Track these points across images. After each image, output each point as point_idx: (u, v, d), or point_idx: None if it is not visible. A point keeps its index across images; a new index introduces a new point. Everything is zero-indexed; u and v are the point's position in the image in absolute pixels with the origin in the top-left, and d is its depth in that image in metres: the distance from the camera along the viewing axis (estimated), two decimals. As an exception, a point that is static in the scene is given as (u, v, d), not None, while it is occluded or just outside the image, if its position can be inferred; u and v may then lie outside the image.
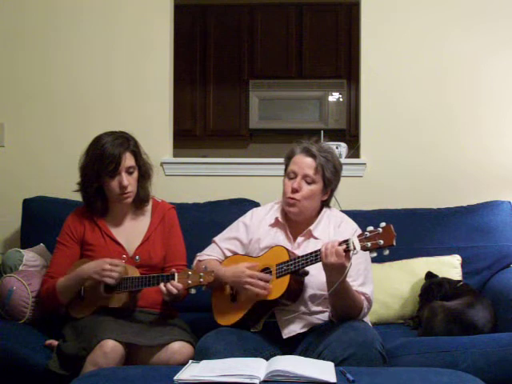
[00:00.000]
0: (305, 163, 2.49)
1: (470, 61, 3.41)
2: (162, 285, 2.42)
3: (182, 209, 2.88)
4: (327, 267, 2.25)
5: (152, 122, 3.50)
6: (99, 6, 3.51)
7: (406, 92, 3.45)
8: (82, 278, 2.51)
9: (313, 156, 2.48)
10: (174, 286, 2.40)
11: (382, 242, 2.15)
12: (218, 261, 2.60)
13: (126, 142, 2.60)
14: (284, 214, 2.59)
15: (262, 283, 2.37)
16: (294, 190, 2.47)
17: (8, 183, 3.50)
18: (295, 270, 2.34)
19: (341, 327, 2.31)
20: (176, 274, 2.41)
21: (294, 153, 2.53)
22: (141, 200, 2.69)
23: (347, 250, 2.21)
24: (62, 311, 2.62)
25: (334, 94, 5.51)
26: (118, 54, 3.52)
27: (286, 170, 2.57)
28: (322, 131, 3.53)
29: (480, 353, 2.36)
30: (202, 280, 2.36)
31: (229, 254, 2.62)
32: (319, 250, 2.27)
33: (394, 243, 2.14)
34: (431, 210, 3.22)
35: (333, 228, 2.54)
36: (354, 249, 2.20)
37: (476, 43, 3.41)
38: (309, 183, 2.48)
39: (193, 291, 2.41)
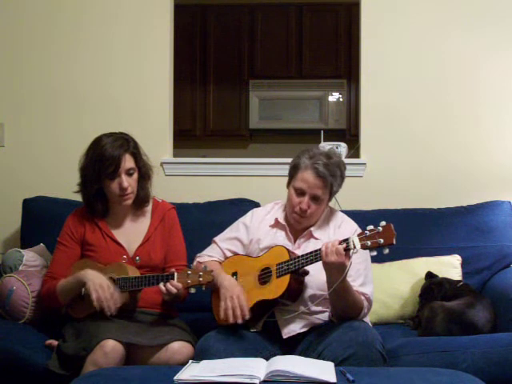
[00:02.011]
0: (314, 184, 2.44)
1: (470, 60, 3.41)
2: (161, 284, 2.42)
3: (182, 209, 2.87)
4: (327, 266, 2.26)
5: (152, 122, 3.50)
6: (99, 6, 3.51)
7: (405, 92, 3.45)
8: (82, 281, 2.49)
9: (322, 177, 2.43)
10: (174, 285, 2.39)
11: (382, 240, 2.15)
12: (218, 262, 2.60)
13: (125, 143, 2.59)
14: (284, 215, 2.59)
15: (238, 312, 2.34)
16: (304, 210, 2.46)
17: (8, 183, 3.50)
18: (295, 269, 2.33)
19: (341, 327, 2.31)
20: (175, 274, 2.41)
21: (301, 166, 2.47)
22: (141, 201, 2.69)
23: (347, 249, 2.22)
24: (63, 311, 2.61)
25: (333, 94, 5.50)
26: (117, 54, 3.52)
27: (291, 177, 2.52)
28: (322, 131, 3.54)
29: (480, 353, 2.35)
30: (201, 279, 2.36)
31: (229, 254, 2.62)
32: (319, 249, 2.27)
33: (394, 242, 2.14)
34: (431, 210, 3.22)
35: (333, 228, 2.54)
36: (354, 247, 2.20)
37: (476, 43, 3.41)
38: (317, 200, 2.47)
39: (193, 290, 2.40)
